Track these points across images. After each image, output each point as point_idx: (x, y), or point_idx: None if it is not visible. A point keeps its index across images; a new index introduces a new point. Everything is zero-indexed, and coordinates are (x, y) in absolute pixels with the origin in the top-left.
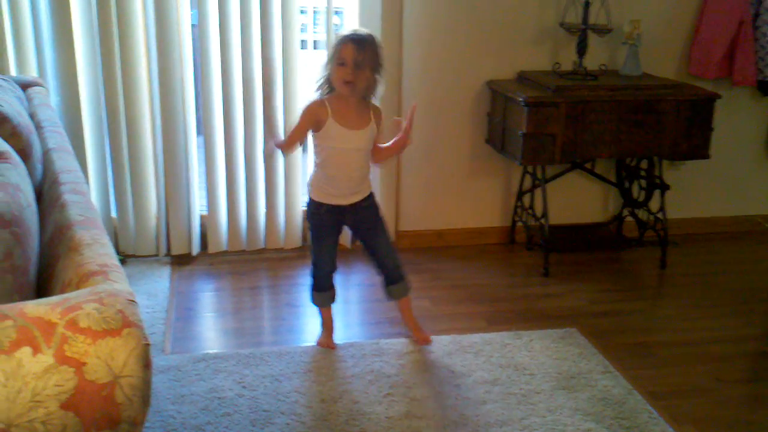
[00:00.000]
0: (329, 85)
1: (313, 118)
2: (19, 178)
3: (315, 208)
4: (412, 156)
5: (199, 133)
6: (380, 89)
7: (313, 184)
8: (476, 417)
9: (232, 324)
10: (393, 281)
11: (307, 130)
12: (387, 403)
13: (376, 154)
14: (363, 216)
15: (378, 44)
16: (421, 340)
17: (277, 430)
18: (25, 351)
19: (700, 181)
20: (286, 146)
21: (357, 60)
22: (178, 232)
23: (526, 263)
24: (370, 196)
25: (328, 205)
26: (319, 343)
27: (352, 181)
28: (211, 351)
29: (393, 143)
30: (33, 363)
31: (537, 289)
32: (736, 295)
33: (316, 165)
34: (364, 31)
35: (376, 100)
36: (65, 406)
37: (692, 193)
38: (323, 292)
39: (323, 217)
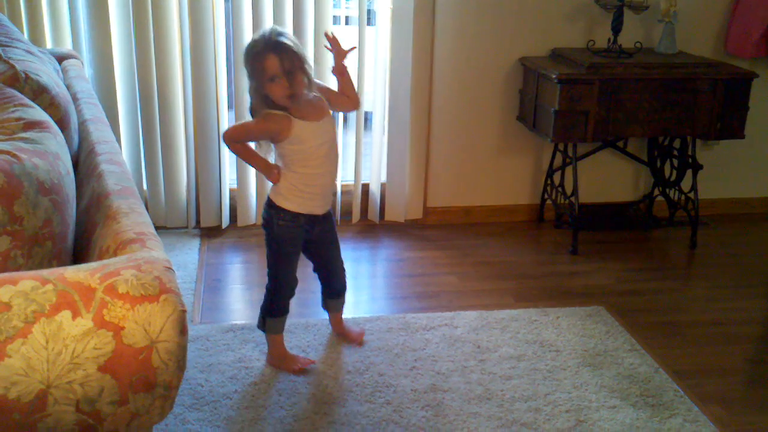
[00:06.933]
0: (267, 103)
1: (274, 131)
2: (58, 147)
3: (290, 220)
4: (441, 132)
5: (230, 107)
6: (313, 77)
7: (287, 194)
8: (501, 392)
9: (260, 296)
10: (337, 295)
11: (259, 139)
12: (412, 376)
13: (341, 100)
14: (327, 227)
15: (289, 36)
16: (356, 340)
17: (304, 400)
18: (65, 315)
19: (733, 161)
20: (242, 146)
21: (285, 68)
22: (208, 204)
23: (554, 241)
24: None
25: (306, 215)
26: (295, 371)
27: (334, 178)
28: (239, 322)
29: (341, 83)
30: (73, 326)
31: (565, 266)
32: (767, 277)
33: (291, 172)
34: (267, 31)
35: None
36: (103, 369)
37: (725, 173)
38: (282, 317)
39: (298, 231)
